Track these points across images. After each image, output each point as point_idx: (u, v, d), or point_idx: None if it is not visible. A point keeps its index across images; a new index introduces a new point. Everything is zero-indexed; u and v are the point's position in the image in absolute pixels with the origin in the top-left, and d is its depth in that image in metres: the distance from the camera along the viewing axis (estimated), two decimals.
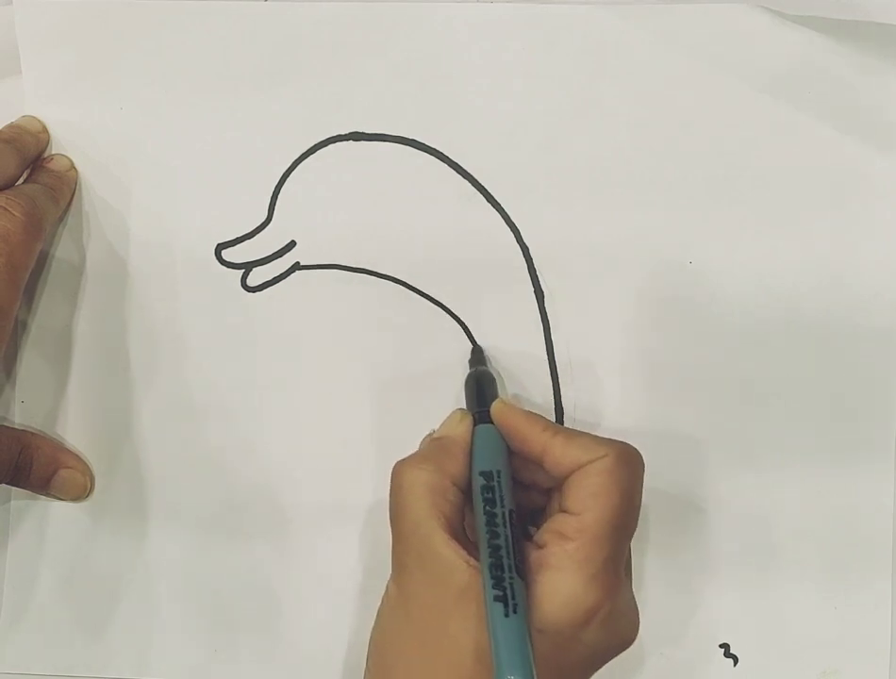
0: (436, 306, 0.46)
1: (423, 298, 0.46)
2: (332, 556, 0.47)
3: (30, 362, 0.48)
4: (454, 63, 0.45)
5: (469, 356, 0.46)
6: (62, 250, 0.47)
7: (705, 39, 0.45)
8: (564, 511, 0.39)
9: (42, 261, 0.47)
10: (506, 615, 0.35)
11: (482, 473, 0.39)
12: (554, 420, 0.46)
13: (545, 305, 0.46)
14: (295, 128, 0.46)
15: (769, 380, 0.46)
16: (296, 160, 0.46)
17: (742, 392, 0.46)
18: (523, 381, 0.46)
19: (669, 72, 0.45)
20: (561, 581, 0.37)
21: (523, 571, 0.37)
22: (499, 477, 0.39)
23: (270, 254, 0.47)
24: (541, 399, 0.46)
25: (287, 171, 0.46)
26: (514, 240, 0.46)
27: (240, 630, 0.48)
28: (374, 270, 0.46)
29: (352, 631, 0.47)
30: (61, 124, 0.47)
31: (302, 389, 0.47)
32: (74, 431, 0.48)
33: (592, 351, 0.46)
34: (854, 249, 0.45)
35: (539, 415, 0.42)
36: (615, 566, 0.38)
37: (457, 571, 0.37)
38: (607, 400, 0.46)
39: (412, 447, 0.46)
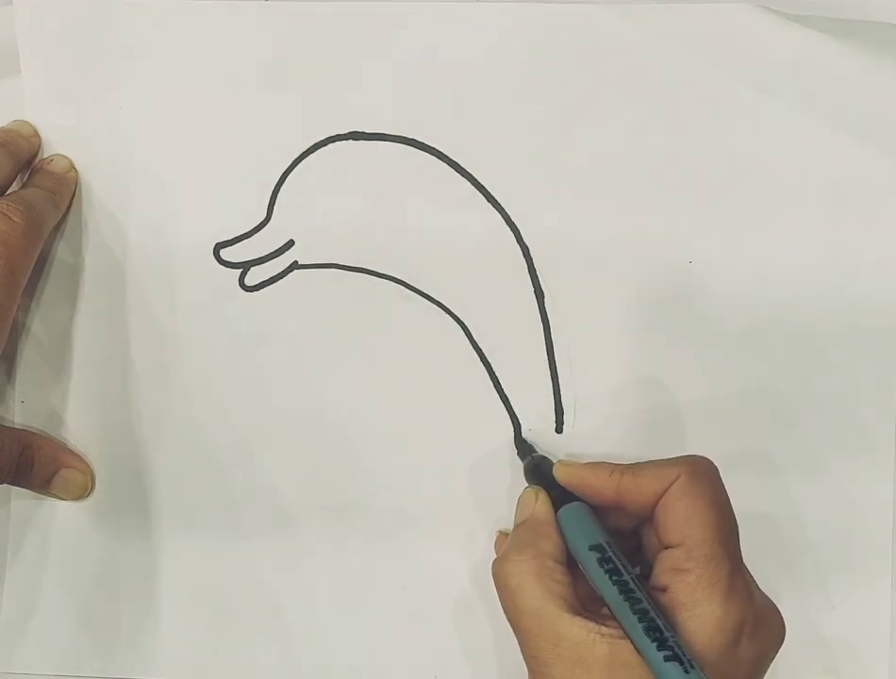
0: (435, 306, 0.46)
1: (422, 298, 0.46)
2: (332, 556, 0.47)
3: (30, 362, 0.48)
4: (454, 63, 0.45)
5: (515, 449, 0.46)
6: (62, 249, 0.47)
7: (705, 39, 0.45)
8: (666, 547, 0.39)
9: (42, 261, 0.47)
10: (686, 671, 0.35)
11: (592, 548, 0.39)
12: (554, 420, 0.46)
13: (545, 305, 0.46)
14: (295, 128, 0.46)
15: (768, 380, 0.46)
16: (296, 160, 0.46)
17: (742, 392, 0.46)
18: (524, 381, 0.46)
19: (669, 72, 0.45)
20: (700, 616, 0.37)
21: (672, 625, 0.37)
22: (610, 546, 0.39)
23: (268, 253, 0.47)
24: (541, 399, 0.46)
25: (286, 170, 0.46)
26: (514, 240, 0.46)
27: (240, 630, 0.48)
28: (373, 269, 0.46)
29: (352, 631, 0.47)
30: (61, 124, 0.47)
31: (300, 388, 0.47)
32: (75, 431, 0.48)
33: (592, 351, 0.46)
34: (854, 249, 0.45)
35: (601, 462, 0.42)
36: (741, 574, 0.38)
37: (596, 645, 0.37)
38: (608, 400, 0.46)
39: (412, 447, 0.46)
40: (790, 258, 0.45)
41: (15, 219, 0.43)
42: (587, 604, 0.39)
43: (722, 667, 0.36)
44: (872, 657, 0.46)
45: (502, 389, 0.46)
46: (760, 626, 0.38)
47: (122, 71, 0.46)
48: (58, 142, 0.47)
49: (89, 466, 0.48)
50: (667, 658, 0.35)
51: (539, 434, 0.46)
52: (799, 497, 0.46)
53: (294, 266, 0.47)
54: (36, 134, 0.47)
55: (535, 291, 0.46)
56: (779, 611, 0.39)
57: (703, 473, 0.39)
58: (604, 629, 0.37)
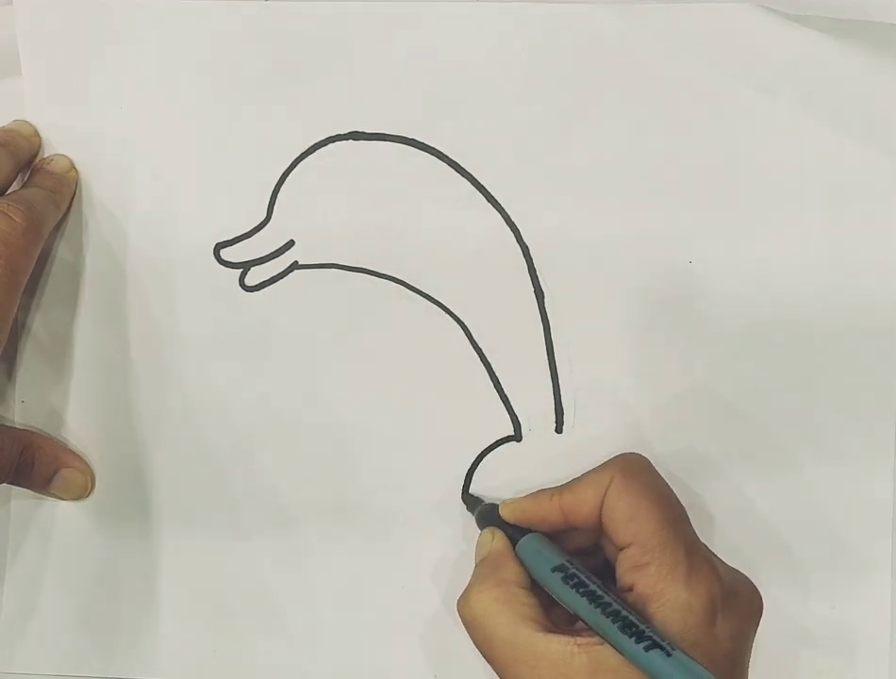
0: (435, 306, 0.46)
1: (422, 298, 0.46)
2: (332, 556, 0.47)
3: (30, 362, 0.48)
4: (454, 63, 0.45)
5: (465, 506, 0.46)
6: (62, 249, 0.47)
7: (705, 38, 0.45)
8: (621, 548, 0.39)
9: (42, 261, 0.47)
10: (668, 654, 0.35)
11: (555, 569, 0.40)
12: (554, 419, 0.46)
13: (545, 305, 0.46)
14: (295, 128, 0.46)
15: (768, 380, 0.46)
16: (296, 160, 0.46)
17: (742, 392, 0.46)
18: (524, 381, 0.46)
19: (668, 71, 0.45)
20: (668, 603, 0.37)
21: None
22: (572, 564, 0.40)
23: (268, 253, 0.47)
24: (541, 399, 0.46)
25: (286, 170, 0.46)
26: (514, 239, 0.46)
27: (239, 630, 0.48)
28: (373, 269, 0.46)
29: (352, 631, 0.47)
30: (61, 124, 0.47)
31: (300, 388, 0.47)
32: (75, 431, 0.48)
33: (592, 351, 0.46)
34: (854, 249, 0.45)
35: (540, 490, 0.43)
36: (699, 554, 0.38)
37: (575, 657, 0.37)
38: (607, 400, 0.46)
39: (411, 447, 0.46)
40: (790, 258, 0.45)
41: (16, 219, 0.43)
42: (558, 626, 0.39)
43: (702, 647, 0.37)
44: (872, 657, 0.46)
45: (502, 389, 0.46)
46: (733, 600, 0.38)
47: (122, 71, 0.46)
48: (58, 142, 0.47)
49: (89, 466, 0.48)
50: (647, 648, 0.35)
51: (539, 434, 0.46)
52: (799, 497, 0.46)
53: (294, 266, 0.47)
54: (36, 134, 0.47)
55: (535, 291, 0.46)
56: (752, 583, 0.40)
57: (634, 469, 0.40)
58: (580, 639, 0.37)
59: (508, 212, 0.46)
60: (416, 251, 0.46)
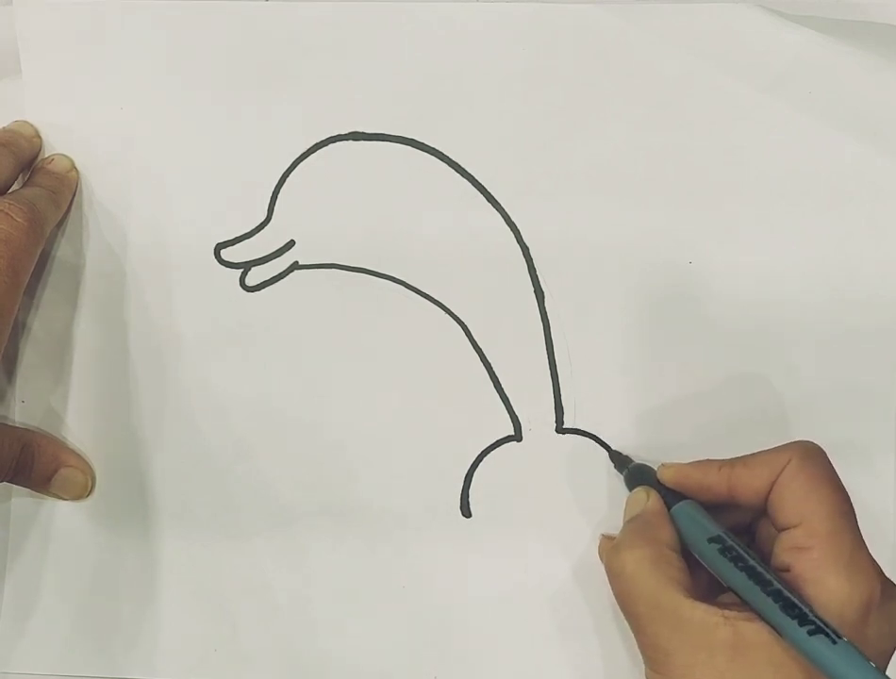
0: (435, 306, 0.46)
1: (422, 298, 0.46)
2: (332, 556, 0.47)
3: (30, 362, 0.48)
4: (454, 63, 0.46)
5: (612, 464, 0.46)
6: (62, 250, 0.47)
7: (705, 39, 0.45)
8: (784, 529, 0.39)
9: (42, 261, 0.47)
10: (834, 642, 0.34)
11: (711, 540, 0.39)
12: (554, 419, 0.46)
13: (545, 305, 0.46)
14: (295, 128, 0.46)
15: (768, 380, 0.46)
16: (296, 160, 0.46)
17: (742, 392, 0.46)
18: (524, 381, 0.46)
19: (669, 72, 0.45)
20: (827, 592, 0.36)
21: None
22: (729, 536, 0.39)
23: (269, 253, 0.47)
24: (541, 399, 0.46)
25: (287, 170, 0.46)
26: (514, 239, 0.46)
27: (239, 630, 0.48)
28: (374, 269, 0.46)
29: (351, 631, 0.47)
30: (61, 124, 0.47)
31: (300, 388, 0.47)
32: (74, 431, 0.48)
33: (592, 351, 0.46)
34: (854, 249, 0.45)
35: (706, 460, 0.42)
36: (865, 550, 0.38)
37: (719, 628, 0.36)
38: (608, 400, 0.46)
39: (412, 446, 0.46)
40: (791, 258, 0.45)
41: (17, 218, 0.43)
42: (705, 596, 0.38)
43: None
44: None
45: (502, 389, 0.46)
46: (887, 603, 0.37)
47: (122, 71, 0.46)
48: (58, 142, 0.47)
49: (89, 465, 0.48)
50: (811, 633, 0.35)
51: (539, 434, 0.46)
52: None
53: (295, 266, 0.47)
54: (37, 134, 0.47)
55: (535, 291, 0.46)
56: None
57: (814, 455, 0.39)
58: (727, 612, 0.36)
59: (508, 212, 0.46)
60: (416, 251, 0.46)
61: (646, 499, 0.42)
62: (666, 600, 0.37)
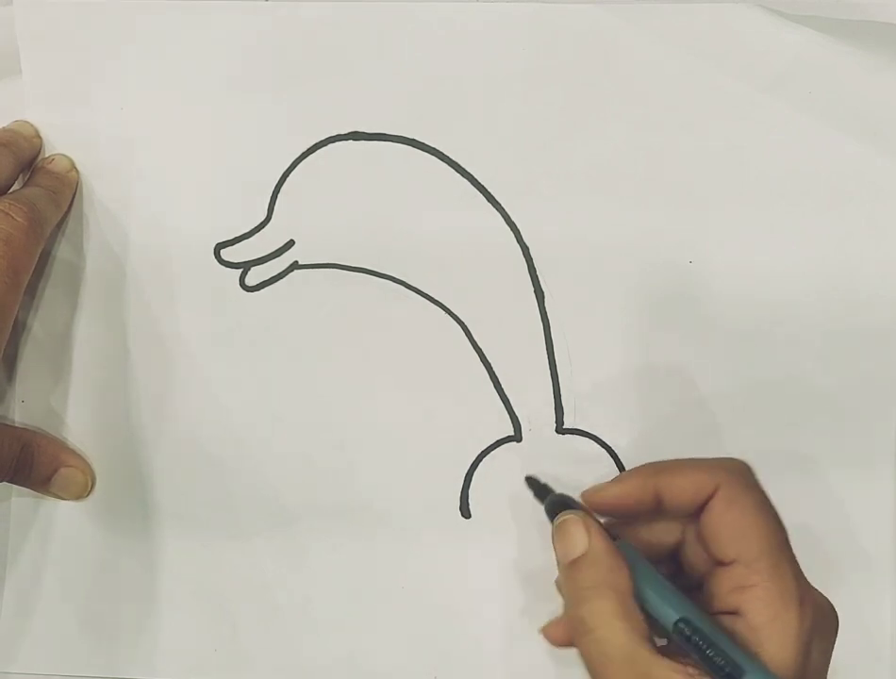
0: (435, 306, 0.46)
1: (422, 298, 0.46)
2: (332, 556, 0.47)
3: (30, 362, 0.48)
4: (454, 63, 0.46)
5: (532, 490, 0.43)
6: (62, 249, 0.47)
7: (705, 39, 0.45)
8: (719, 563, 0.37)
9: (43, 261, 0.47)
10: None
11: (679, 623, 0.36)
12: (554, 419, 0.46)
13: (545, 305, 0.46)
14: (295, 128, 0.46)
15: (768, 380, 0.46)
16: (296, 160, 0.46)
17: (742, 392, 0.46)
18: (524, 381, 0.46)
19: (669, 72, 0.45)
20: (780, 631, 0.35)
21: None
22: (692, 619, 0.36)
23: (268, 253, 0.47)
24: (542, 399, 0.46)
25: (286, 170, 0.46)
26: (514, 239, 0.46)
27: (239, 630, 0.48)
28: (374, 269, 0.46)
29: (351, 631, 0.47)
30: (61, 124, 0.47)
31: (300, 388, 0.47)
32: (74, 431, 0.48)
33: (592, 351, 0.46)
34: (854, 249, 0.45)
35: (622, 475, 0.41)
36: (801, 574, 0.36)
37: None
38: (608, 400, 0.46)
39: (411, 447, 0.46)
40: (790, 258, 0.45)
41: (18, 218, 0.43)
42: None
43: (801, 673, 0.35)
44: (873, 658, 0.46)
45: (502, 389, 0.46)
46: (822, 622, 0.36)
47: (122, 71, 0.46)
48: (58, 142, 0.47)
49: (89, 465, 0.48)
50: None
51: (538, 434, 0.46)
52: (798, 498, 0.46)
53: (294, 266, 0.47)
54: (37, 135, 0.47)
55: (535, 291, 0.46)
56: (829, 601, 0.38)
57: (743, 480, 0.37)
58: (690, 670, 0.35)
59: (508, 212, 0.46)
60: (416, 251, 0.46)
61: (586, 534, 0.38)
62: (639, 659, 0.35)
